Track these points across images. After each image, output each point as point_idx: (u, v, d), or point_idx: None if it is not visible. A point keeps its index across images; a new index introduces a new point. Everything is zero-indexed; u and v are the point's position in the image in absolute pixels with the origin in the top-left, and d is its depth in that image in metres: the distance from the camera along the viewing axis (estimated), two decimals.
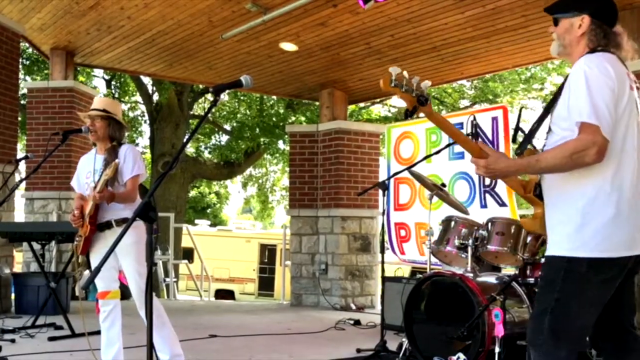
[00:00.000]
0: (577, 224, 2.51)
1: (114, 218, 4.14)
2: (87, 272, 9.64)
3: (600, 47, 2.59)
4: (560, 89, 2.64)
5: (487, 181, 6.62)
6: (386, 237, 7.56)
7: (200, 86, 15.49)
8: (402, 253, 7.88)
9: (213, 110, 18.01)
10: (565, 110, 2.53)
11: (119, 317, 4.22)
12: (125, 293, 10.53)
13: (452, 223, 5.01)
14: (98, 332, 6.00)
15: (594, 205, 2.49)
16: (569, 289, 2.51)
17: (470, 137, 5.65)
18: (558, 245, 2.57)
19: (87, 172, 4.28)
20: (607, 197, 2.48)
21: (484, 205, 6.67)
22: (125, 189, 4.13)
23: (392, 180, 7.63)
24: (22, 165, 7.89)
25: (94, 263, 4.18)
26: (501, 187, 6.51)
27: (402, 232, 7.81)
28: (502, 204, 6.53)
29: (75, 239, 4.18)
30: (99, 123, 4.23)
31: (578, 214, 2.51)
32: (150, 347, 2.50)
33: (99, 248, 4.16)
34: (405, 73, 2.72)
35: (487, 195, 6.69)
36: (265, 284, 20.20)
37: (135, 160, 4.18)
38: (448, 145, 6.05)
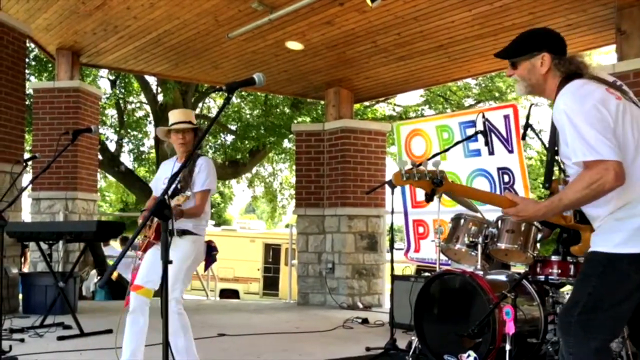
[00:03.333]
0: (618, 223, 2.55)
1: (176, 228, 4.09)
2: (93, 272, 9.69)
3: (572, 71, 2.64)
4: (553, 127, 2.68)
5: (506, 178, 6.64)
6: (395, 235, 7.54)
7: (206, 86, 15.50)
8: (417, 250, 7.88)
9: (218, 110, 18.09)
10: (567, 152, 2.57)
11: (146, 316, 4.14)
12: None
13: (462, 221, 5.00)
14: (106, 332, 6.08)
15: (631, 210, 2.52)
16: (604, 284, 2.54)
17: (481, 134, 5.69)
18: (599, 242, 2.60)
19: (166, 178, 4.29)
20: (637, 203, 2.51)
21: None
22: (194, 204, 4.15)
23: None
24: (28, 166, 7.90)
25: (146, 264, 4.18)
26: (518, 185, 6.54)
27: (420, 229, 7.81)
28: None
29: (140, 237, 4.22)
30: (189, 136, 4.31)
31: (619, 213, 2.55)
32: (166, 346, 2.50)
33: (155, 252, 4.14)
34: (412, 165, 2.83)
35: (506, 192, 6.69)
36: (270, 284, 20.19)
37: (208, 174, 4.22)
38: (456, 144, 6.04)
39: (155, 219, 4.05)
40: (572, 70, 2.66)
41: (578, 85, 2.58)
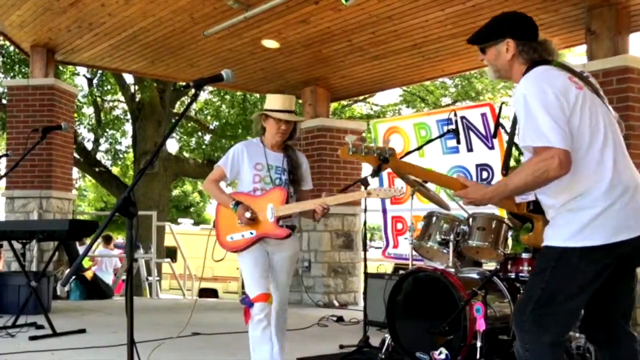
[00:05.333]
0: (570, 216, 2.56)
1: (288, 224, 3.96)
2: (67, 271, 9.61)
3: (535, 60, 2.67)
4: (515, 117, 2.71)
5: (485, 174, 6.72)
6: (370, 233, 7.59)
7: (183, 84, 15.44)
8: (396, 247, 7.93)
9: (196, 108, 18.06)
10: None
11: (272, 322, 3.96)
12: (106, 292, 10.47)
13: (434, 219, 5.03)
14: (79, 332, 6.03)
15: (584, 201, 2.53)
16: (556, 279, 2.56)
17: (453, 132, 5.73)
18: (551, 236, 2.62)
19: (257, 163, 4.00)
20: (594, 192, 2.52)
21: None
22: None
23: (385, 175, 7.71)
24: (2, 164, 7.83)
25: (260, 265, 3.91)
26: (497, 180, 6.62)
27: (399, 225, 7.87)
28: None
29: (241, 233, 3.88)
30: (290, 127, 4.05)
31: (570, 207, 2.57)
32: (131, 345, 2.49)
33: (261, 250, 3.95)
34: (358, 139, 2.84)
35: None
36: None
37: (309, 171, 4.18)
38: (430, 141, 6.07)
39: (253, 210, 3.84)
40: (535, 58, 2.69)
41: (540, 71, 2.61)
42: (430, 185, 4.96)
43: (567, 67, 2.67)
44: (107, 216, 2.49)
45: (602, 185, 2.52)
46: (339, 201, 3.87)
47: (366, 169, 10.17)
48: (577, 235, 2.53)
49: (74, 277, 9.52)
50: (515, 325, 2.68)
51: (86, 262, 11.88)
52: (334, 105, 14.55)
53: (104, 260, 12.55)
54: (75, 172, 18.89)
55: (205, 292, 18.81)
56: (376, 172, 3.00)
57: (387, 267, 11.10)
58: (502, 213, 4.65)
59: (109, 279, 12.05)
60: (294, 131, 4.08)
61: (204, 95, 17.55)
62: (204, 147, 17.87)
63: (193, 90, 3.03)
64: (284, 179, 4.02)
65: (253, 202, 3.89)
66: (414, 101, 15.84)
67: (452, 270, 4.68)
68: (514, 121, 2.76)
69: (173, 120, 16.08)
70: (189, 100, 18.12)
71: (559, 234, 2.59)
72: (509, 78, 2.81)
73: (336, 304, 8.95)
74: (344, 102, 15.98)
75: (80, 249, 10.06)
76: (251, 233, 3.87)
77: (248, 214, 3.81)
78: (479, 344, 4.11)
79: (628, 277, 2.75)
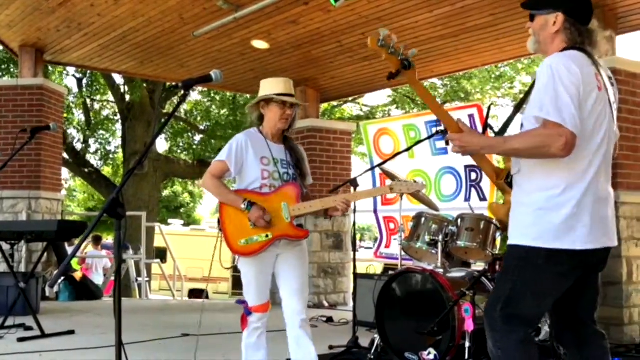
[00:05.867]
0: (540, 214, 2.55)
1: (299, 225, 3.72)
2: (55, 273, 9.57)
3: (576, 45, 2.62)
4: (531, 87, 2.67)
5: (474, 176, 6.76)
6: (360, 234, 7.62)
7: (172, 84, 15.42)
8: (388, 246, 7.96)
9: (187, 108, 18.02)
10: (531, 106, 2.56)
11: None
12: (96, 293, 10.42)
13: (423, 219, 5.05)
14: (68, 333, 6.01)
15: (559, 198, 2.53)
16: (524, 278, 2.56)
17: (442, 133, 5.74)
18: (519, 234, 2.61)
19: (263, 157, 3.66)
20: (571, 191, 2.52)
21: (467, 199, 6.84)
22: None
23: (377, 175, 7.74)
24: None
25: (255, 271, 3.65)
26: (485, 183, 6.67)
27: (392, 225, 7.92)
28: (483, 199, 6.73)
29: (255, 237, 3.55)
30: (293, 112, 3.74)
31: (542, 204, 2.55)
32: (120, 346, 2.48)
33: (263, 256, 3.64)
34: (394, 36, 2.75)
35: (472, 190, 6.83)
36: (240, 283, 20.09)
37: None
38: (418, 142, 6.09)
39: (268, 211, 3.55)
40: (577, 42, 2.63)
41: (574, 54, 2.57)
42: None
43: (598, 65, 2.64)
44: (96, 216, 2.48)
45: (581, 187, 2.53)
46: (361, 197, 3.74)
47: (356, 170, 10.19)
48: (545, 236, 2.52)
49: (62, 278, 9.49)
50: (486, 324, 2.67)
51: (75, 265, 11.85)
52: (324, 106, 14.55)
53: (94, 261, 12.51)
54: (66, 172, 18.84)
55: (195, 293, 18.79)
56: (393, 75, 2.84)
57: (377, 268, 11.12)
58: (491, 214, 4.67)
59: (99, 279, 12.02)
60: (294, 119, 3.80)
61: (194, 96, 17.54)
62: (194, 147, 17.83)
63: (182, 91, 3.03)
64: (291, 174, 3.71)
65: (265, 201, 3.56)
66: (404, 102, 15.88)
67: (441, 270, 4.70)
68: (528, 91, 2.73)
69: (163, 120, 16.04)
70: (178, 101, 18.15)
71: (526, 233, 2.57)
72: (545, 53, 2.70)
73: (326, 304, 8.96)
74: (334, 103, 15.99)
75: (70, 250, 10.02)
76: (267, 236, 3.54)
77: (268, 217, 3.51)
78: (467, 344, 4.13)
79: (594, 278, 2.77)
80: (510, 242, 2.66)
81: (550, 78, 2.47)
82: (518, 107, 2.84)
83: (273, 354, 4.16)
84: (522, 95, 2.79)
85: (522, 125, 2.68)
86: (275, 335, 4.29)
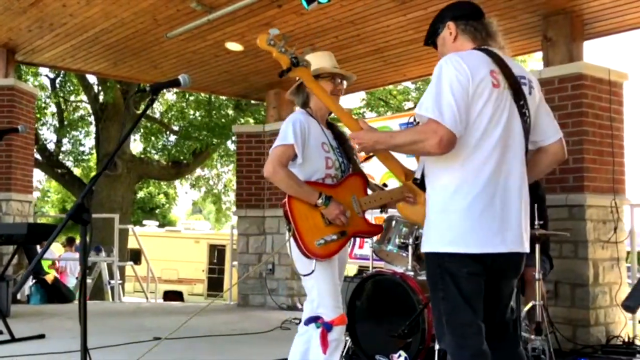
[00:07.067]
0: (440, 218, 2.53)
1: None
2: (19, 278, 9.45)
3: (482, 45, 2.61)
4: None
5: None
6: None
7: (148, 86, 15.32)
8: (361, 247, 7.99)
9: (161, 109, 17.90)
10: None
11: None
12: (67, 296, 10.31)
13: (394, 222, 5.07)
14: (39, 337, 5.94)
15: (452, 200, 2.49)
16: (447, 286, 2.49)
17: None
18: (428, 241, 2.58)
19: (323, 143, 3.29)
20: (463, 192, 2.47)
21: None
22: None
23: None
24: None
25: (330, 276, 3.20)
26: None
27: None
28: None
29: (331, 236, 3.13)
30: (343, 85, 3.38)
31: (440, 207, 2.53)
32: (85, 351, 2.48)
33: (334, 258, 3.24)
34: (285, 36, 2.91)
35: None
36: (215, 285, 20.09)
37: None
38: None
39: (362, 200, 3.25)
40: (480, 39, 2.62)
41: (471, 54, 2.55)
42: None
43: (501, 62, 2.58)
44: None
45: (477, 187, 2.47)
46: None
47: None
48: (446, 240, 2.48)
49: (34, 280, 9.39)
50: (437, 339, 2.64)
51: (47, 268, 11.71)
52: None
53: (67, 263, 12.39)
54: (41, 173, 18.64)
55: (169, 295, 18.70)
56: (283, 73, 2.99)
57: (351, 270, 11.15)
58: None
59: (73, 282, 11.92)
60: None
61: (168, 96, 17.44)
62: (168, 148, 17.74)
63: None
64: (346, 163, 3.34)
65: (335, 194, 3.17)
66: (378, 105, 15.96)
67: (411, 273, 4.74)
68: None
69: (131, 125, 15.93)
70: (155, 103, 18.05)
71: (432, 237, 2.54)
72: None
73: (300, 306, 8.96)
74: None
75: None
76: (342, 234, 3.14)
77: (349, 213, 3.14)
78: (437, 346, 4.16)
79: (505, 285, 2.66)
80: (423, 249, 2.61)
81: (436, 77, 2.48)
82: None
83: (267, 354, 4.22)
84: None
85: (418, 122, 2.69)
86: (246, 337, 4.28)
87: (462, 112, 2.43)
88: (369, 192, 3.36)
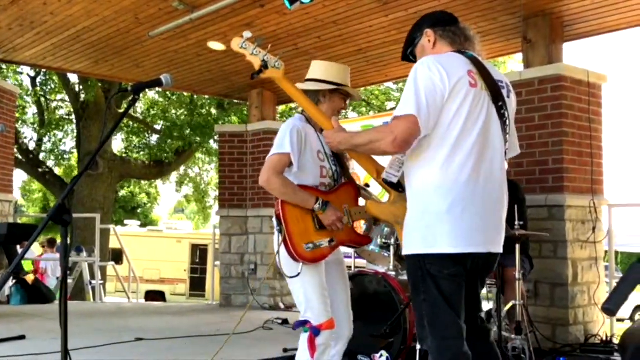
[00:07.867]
0: (418, 219, 2.54)
1: None
2: None
3: (457, 47, 2.66)
4: None
5: None
6: None
7: (130, 84, 15.24)
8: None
9: (143, 108, 17.81)
10: None
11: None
12: (48, 297, 10.23)
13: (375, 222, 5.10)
14: (19, 338, 5.89)
15: (432, 201, 2.50)
16: (428, 287, 2.51)
17: None
18: (409, 243, 2.59)
19: (318, 151, 3.26)
20: (443, 193, 2.48)
21: None
22: None
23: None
24: None
25: (318, 282, 3.16)
26: None
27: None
28: None
29: (321, 241, 3.13)
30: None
31: (420, 209, 2.54)
32: (65, 353, 2.47)
33: (322, 264, 3.22)
34: (258, 38, 3.01)
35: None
36: (197, 285, 20.01)
37: None
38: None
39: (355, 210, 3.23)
40: (458, 43, 2.67)
41: (446, 55, 2.59)
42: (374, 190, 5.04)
43: (479, 65, 2.60)
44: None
45: (457, 187, 2.47)
46: None
47: None
48: (428, 241, 2.49)
49: (14, 281, 9.30)
50: (419, 341, 2.64)
51: (28, 268, 11.62)
52: (282, 107, 14.57)
53: (48, 263, 12.29)
54: (23, 173, 18.47)
55: (151, 295, 18.61)
56: (254, 75, 3.11)
57: None
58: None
59: (54, 282, 11.82)
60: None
61: (150, 95, 17.35)
62: (150, 147, 17.65)
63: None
64: (339, 172, 3.33)
65: (330, 201, 3.18)
66: (360, 105, 16.01)
67: (393, 273, 4.77)
68: None
69: (113, 125, 15.84)
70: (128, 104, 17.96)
71: (413, 239, 2.55)
72: None
73: (282, 306, 8.98)
74: (292, 105, 16.01)
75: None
76: (331, 241, 3.14)
77: (346, 219, 3.16)
78: (418, 346, 4.18)
79: (482, 279, 2.74)
80: (404, 252, 2.62)
81: (412, 79, 2.51)
82: None
83: (250, 354, 4.21)
84: None
85: None
86: (232, 337, 4.29)
87: (432, 112, 2.45)
88: (360, 201, 3.36)
